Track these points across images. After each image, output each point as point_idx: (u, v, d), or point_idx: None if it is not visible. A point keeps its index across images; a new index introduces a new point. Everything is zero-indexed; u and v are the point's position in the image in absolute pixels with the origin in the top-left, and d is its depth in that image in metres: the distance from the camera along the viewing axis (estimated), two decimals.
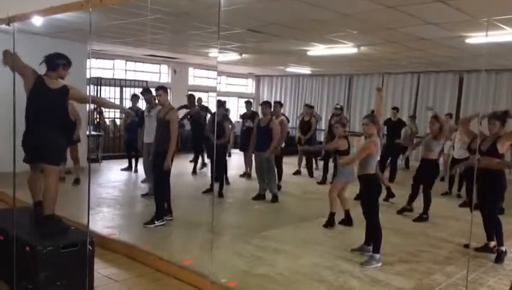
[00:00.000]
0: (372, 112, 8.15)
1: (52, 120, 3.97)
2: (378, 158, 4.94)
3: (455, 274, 4.50)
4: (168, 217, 5.92)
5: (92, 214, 5.83)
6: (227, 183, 8.60)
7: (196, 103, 10.13)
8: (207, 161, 9.95)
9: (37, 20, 5.46)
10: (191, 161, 10.22)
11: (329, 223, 6.04)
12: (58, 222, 3.99)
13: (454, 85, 12.54)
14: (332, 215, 6.04)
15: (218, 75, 15.48)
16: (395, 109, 10.39)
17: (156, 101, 6.24)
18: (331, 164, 9.35)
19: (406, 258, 4.97)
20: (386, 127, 9.76)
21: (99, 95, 11.55)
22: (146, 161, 7.40)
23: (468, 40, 7.31)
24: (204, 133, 8.31)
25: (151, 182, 6.92)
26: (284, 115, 12.33)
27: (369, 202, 4.83)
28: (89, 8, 3.96)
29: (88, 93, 10.38)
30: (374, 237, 4.78)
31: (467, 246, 5.23)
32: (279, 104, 9.17)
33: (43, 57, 4.02)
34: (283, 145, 8.40)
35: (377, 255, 4.65)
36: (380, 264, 4.61)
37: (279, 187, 8.19)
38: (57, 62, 4.04)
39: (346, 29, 7.11)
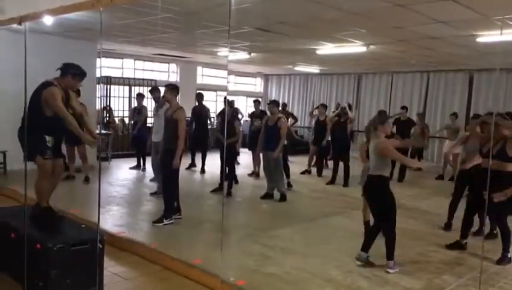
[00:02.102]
0: (380, 112, 8.14)
1: (30, 113, 4.11)
2: None
3: (465, 274, 4.47)
4: (177, 216, 5.93)
5: (102, 213, 5.84)
6: (236, 182, 8.60)
7: (203, 101, 10.17)
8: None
9: (48, 20, 5.50)
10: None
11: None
12: (51, 213, 4.11)
13: (464, 84, 12.42)
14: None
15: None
16: (404, 108, 10.33)
17: (165, 98, 6.26)
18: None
19: (415, 258, 4.95)
20: (395, 127, 9.71)
21: (109, 94, 11.63)
22: (154, 159, 7.43)
23: (479, 39, 7.23)
24: (214, 133, 8.34)
25: (159, 180, 6.95)
26: (291, 114, 12.39)
27: (389, 206, 4.59)
28: (100, 8, 3.99)
29: (97, 93, 10.49)
30: (388, 241, 4.57)
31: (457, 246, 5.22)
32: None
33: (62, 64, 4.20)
34: (285, 142, 8.36)
35: (393, 262, 4.51)
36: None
37: (290, 185, 8.21)
38: (66, 70, 4.15)
39: (355, 28, 7.07)
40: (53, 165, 4.25)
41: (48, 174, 4.21)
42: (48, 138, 4.15)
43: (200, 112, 10.00)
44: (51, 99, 4.08)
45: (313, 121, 11.17)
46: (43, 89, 4.09)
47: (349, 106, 10.13)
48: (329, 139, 10.03)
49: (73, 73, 4.15)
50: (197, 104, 10.06)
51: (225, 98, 8.29)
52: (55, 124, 4.18)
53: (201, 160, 9.93)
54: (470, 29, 6.71)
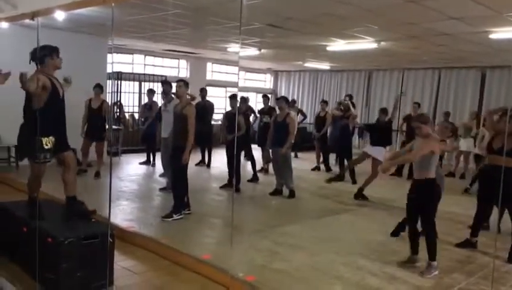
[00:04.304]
0: (382, 109, 8.07)
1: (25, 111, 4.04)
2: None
3: (476, 273, 4.44)
4: (186, 211, 5.96)
5: (112, 207, 5.90)
6: (256, 179, 8.63)
7: (207, 97, 10.21)
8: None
9: (60, 15, 5.54)
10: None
11: (398, 231, 5.47)
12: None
13: (477, 81, 12.28)
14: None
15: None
16: (416, 103, 10.21)
17: (174, 95, 6.30)
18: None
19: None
20: (405, 124, 9.64)
21: (119, 90, 11.68)
22: (164, 155, 7.45)
23: (492, 36, 7.15)
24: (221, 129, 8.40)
25: (169, 176, 6.99)
26: (301, 110, 12.36)
27: (430, 209, 4.48)
28: (111, 3, 4.00)
29: (109, 89, 10.54)
30: (430, 244, 4.43)
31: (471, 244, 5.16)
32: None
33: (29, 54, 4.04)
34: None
35: (435, 263, 4.39)
36: (437, 271, 4.37)
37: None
38: (41, 55, 4.01)
39: (367, 24, 7.03)
40: (62, 159, 4.22)
41: (37, 174, 4.20)
42: (45, 139, 3.95)
43: (204, 107, 10.04)
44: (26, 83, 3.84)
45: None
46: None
47: (351, 97, 9.86)
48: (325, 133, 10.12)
49: (46, 55, 4.02)
50: (200, 99, 10.11)
51: (242, 97, 8.32)
52: (51, 117, 4.01)
53: (207, 156, 10.06)
54: (483, 25, 6.63)
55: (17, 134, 4.16)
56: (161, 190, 7.40)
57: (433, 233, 4.49)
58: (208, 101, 10.25)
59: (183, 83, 5.95)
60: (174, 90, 6.50)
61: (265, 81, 17.56)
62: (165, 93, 7.58)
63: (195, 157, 10.04)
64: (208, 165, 10.02)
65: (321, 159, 10.42)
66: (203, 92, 10.17)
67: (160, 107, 8.37)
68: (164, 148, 7.34)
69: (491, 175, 4.91)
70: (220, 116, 12.93)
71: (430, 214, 4.49)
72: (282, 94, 15.42)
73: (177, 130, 5.89)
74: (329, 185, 8.32)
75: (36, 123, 3.89)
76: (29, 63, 4.04)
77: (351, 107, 9.35)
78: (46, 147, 3.97)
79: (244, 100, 9.55)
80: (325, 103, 10.67)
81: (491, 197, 4.97)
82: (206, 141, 9.99)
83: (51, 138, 3.99)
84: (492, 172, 4.88)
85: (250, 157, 8.79)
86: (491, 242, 5.18)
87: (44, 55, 4.04)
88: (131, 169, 9.57)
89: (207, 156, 10.10)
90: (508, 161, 4.71)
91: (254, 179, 8.61)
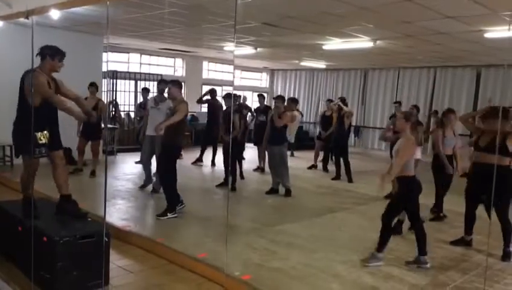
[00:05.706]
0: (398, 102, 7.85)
1: (19, 106, 4.05)
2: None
3: (470, 271, 4.46)
4: (180, 207, 5.94)
5: (107, 206, 5.89)
6: (242, 177, 8.60)
7: (216, 97, 10.25)
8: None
9: (55, 14, 5.52)
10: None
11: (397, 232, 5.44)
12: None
13: (472, 80, 12.33)
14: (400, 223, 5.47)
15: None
16: (397, 102, 10.25)
17: (166, 94, 6.29)
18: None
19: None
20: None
21: (115, 88, 11.64)
22: (145, 153, 7.30)
23: (487, 35, 7.18)
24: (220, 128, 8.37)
25: (148, 174, 7.17)
26: (297, 110, 12.34)
27: (413, 205, 4.54)
28: (106, 2, 3.99)
29: (105, 88, 10.49)
30: (419, 238, 4.52)
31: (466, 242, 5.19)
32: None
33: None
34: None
35: (423, 257, 4.46)
36: (428, 265, 4.45)
37: None
38: (42, 53, 4.04)
39: (363, 22, 7.04)
40: (51, 157, 4.22)
41: (31, 170, 4.19)
42: (39, 134, 3.97)
43: (213, 107, 10.04)
44: (36, 85, 3.92)
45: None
46: (26, 78, 3.98)
47: (343, 100, 9.85)
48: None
49: (48, 54, 4.04)
50: (209, 98, 10.12)
51: (227, 93, 8.32)
52: (45, 115, 4.03)
53: (211, 154, 10.02)
54: (478, 24, 6.66)
55: (11, 133, 4.16)
56: (152, 192, 7.21)
57: (417, 227, 4.55)
58: (217, 101, 10.27)
59: (173, 83, 5.98)
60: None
61: (261, 80, 17.56)
62: (160, 92, 7.55)
63: (192, 156, 10.07)
64: (213, 163, 10.00)
65: (320, 158, 10.43)
66: (214, 92, 10.18)
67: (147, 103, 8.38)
68: (148, 145, 7.20)
69: (480, 172, 4.93)
70: None
71: (412, 209, 4.56)
72: (279, 93, 15.44)
73: (169, 129, 5.82)
74: (325, 183, 8.31)
75: (30, 120, 3.88)
76: (36, 56, 4.06)
77: (343, 106, 9.30)
78: (40, 142, 3.99)
79: (229, 96, 9.57)
80: (330, 101, 10.63)
81: (480, 195, 5.01)
82: (212, 140, 9.98)
83: (45, 132, 4.00)
84: (480, 169, 4.91)
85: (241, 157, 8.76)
86: (486, 240, 5.20)
87: (46, 53, 4.06)
88: (127, 168, 9.54)
89: (211, 155, 10.05)
90: (494, 158, 4.76)
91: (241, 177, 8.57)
